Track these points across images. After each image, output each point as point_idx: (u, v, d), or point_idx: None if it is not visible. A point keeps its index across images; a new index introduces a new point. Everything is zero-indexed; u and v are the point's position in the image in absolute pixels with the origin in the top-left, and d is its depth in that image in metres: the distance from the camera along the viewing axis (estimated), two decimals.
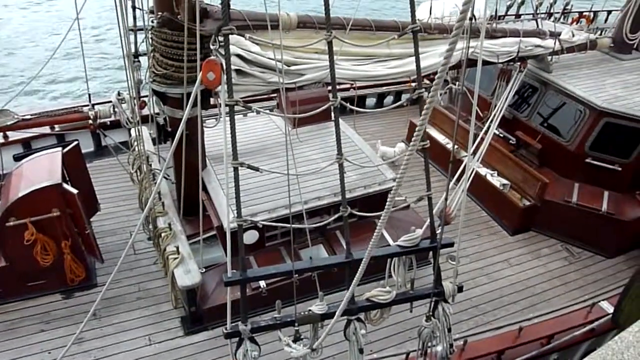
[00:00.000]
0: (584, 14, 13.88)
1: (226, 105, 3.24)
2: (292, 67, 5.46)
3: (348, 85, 10.24)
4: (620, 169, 7.47)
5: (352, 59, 5.97)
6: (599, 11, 13.96)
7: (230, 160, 3.28)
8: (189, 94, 4.49)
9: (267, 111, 5.91)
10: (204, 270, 5.90)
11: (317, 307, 3.73)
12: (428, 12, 7.52)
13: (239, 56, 5.07)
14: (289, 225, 4.07)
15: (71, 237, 5.81)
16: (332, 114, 3.63)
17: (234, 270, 3.56)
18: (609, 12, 14.07)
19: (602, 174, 7.57)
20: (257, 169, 3.40)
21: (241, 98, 5.18)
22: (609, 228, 7.50)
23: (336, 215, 4.02)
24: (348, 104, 5.58)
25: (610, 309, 5.83)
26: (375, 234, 2.95)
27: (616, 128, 7.37)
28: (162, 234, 5.80)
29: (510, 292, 6.92)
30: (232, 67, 5.00)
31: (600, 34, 9.79)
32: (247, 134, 7.27)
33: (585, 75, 8.20)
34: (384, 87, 11.43)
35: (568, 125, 7.81)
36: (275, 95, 8.63)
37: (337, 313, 3.40)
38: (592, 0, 14.69)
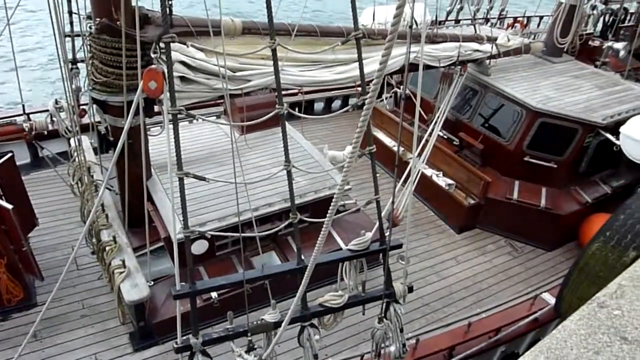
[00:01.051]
0: (518, 19, 14.56)
1: (169, 114, 3.16)
2: (238, 74, 5.41)
3: (296, 91, 10.25)
4: (555, 166, 7.88)
5: (299, 64, 5.99)
6: (531, 17, 14.68)
7: (175, 170, 3.20)
8: (130, 102, 4.35)
9: (213, 118, 5.83)
10: (152, 283, 5.72)
11: (269, 315, 3.71)
12: (371, 17, 7.65)
13: (182, 63, 4.97)
14: (238, 234, 4.02)
15: (6, 255, 5.48)
16: (280, 121, 3.63)
17: (183, 283, 3.47)
18: (541, 17, 14.82)
19: (540, 171, 7.96)
20: (203, 179, 3.34)
21: (187, 105, 5.11)
22: (547, 222, 7.89)
23: (286, 222, 4.01)
24: (296, 110, 5.61)
25: (552, 300, 6.12)
26: (319, 239, 2.96)
27: (551, 127, 7.77)
28: (107, 248, 5.58)
29: (459, 289, 7.14)
30: (176, 74, 4.90)
31: (534, 39, 10.32)
32: (194, 141, 7.14)
33: (521, 77, 8.61)
34: (332, 92, 11.53)
35: (507, 126, 8.17)
36: (222, 101, 8.53)
37: (285, 320, 3.39)
38: (525, 7, 15.45)
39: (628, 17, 14.46)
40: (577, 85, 8.62)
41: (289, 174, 3.63)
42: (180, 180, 3.23)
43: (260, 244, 5.62)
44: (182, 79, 5.07)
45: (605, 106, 8.00)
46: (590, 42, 11.52)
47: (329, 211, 2.81)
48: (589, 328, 2.40)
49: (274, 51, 3.35)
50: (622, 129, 7.41)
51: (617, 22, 12.90)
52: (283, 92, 3.67)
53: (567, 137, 7.78)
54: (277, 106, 3.48)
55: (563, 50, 9.60)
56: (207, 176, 3.43)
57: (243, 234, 3.90)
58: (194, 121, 7.56)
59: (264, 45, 3.58)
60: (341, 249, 6.03)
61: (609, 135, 7.65)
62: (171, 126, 3.19)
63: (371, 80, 7.26)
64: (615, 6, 12.71)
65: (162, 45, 3.28)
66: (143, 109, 4.88)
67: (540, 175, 8.00)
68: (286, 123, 3.64)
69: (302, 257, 3.84)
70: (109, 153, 6.06)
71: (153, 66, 3.63)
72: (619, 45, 10.81)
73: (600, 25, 13.44)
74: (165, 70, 3.35)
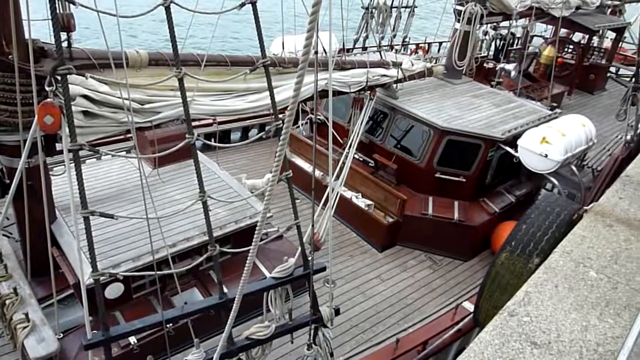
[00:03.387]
0: (420, 45, 15.53)
1: (69, 150, 2.96)
2: (147, 106, 5.21)
3: (210, 121, 10.10)
4: (464, 180, 8.36)
5: (211, 94, 5.90)
6: (432, 43, 15.72)
7: (80, 210, 2.98)
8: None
9: (123, 154, 5.55)
10: (62, 335, 5.25)
11: (194, 355, 3.53)
12: (281, 46, 7.77)
13: (85, 97, 4.71)
14: (153, 273, 3.81)
15: None
16: (191, 152, 3.52)
17: (95, 331, 3.21)
18: (440, 43, 15.91)
19: (451, 186, 8.40)
20: (110, 216, 3.15)
21: (93, 140, 4.83)
22: (462, 234, 8.30)
23: (205, 256, 3.87)
24: (212, 139, 5.50)
25: (472, 308, 6.40)
26: (245, 270, 2.89)
27: (457, 144, 8.26)
28: (7, 302, 5.04)
29: (386, 307, 7.25)
30: (78, 108, 4.62)
31: (435, 63, 11.00)
32: (104, 179, 6.74)
33: (426, 99, 9.11)
34: (248, 121, 11.49)
35: (417, 145, 8.57)
36: (131, 135, 8.19)
37: (214, 358, 3.24)
38: (426, 33, 16.51)
39: (516, 41, 15.93)
40: (477, 104, 9.28)
41: (205, 205, 3.52)
42: (86, 219, 3.01)
43: (181, 280, 5.38)
44: (86, 113, 4.78)
45: (503, 122, 8.66)
46: (485, 64, 12.50)
47: (253, 240, 2.75)
48: (502, 337, 2.52)
49: (180, 80, 3.27)
50: (519, 142, 8.05)
51: (506, 45, 14.15)
52: (196, 123, 3.60)
53: (472, 153, 8.31)
54: (187, 136, 3.38)
55: (462, 72, 10.33)
56: (118, 214, 3.24)
57: (159, 272, 3.70)
58: (103, 157, 7.19)
59: (169, 76, 3.48)
60: (266, 277, 5.93)
61: (508, 149, 8.27)
62: (73, 164, 2.98)
63: (285, 108, 7.33)
64: (504, 31, 13.94)
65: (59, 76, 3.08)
66: (43, 147, 4.54)
67: (451, 189, 8.43)
68: (202, 154, 3.56)
69: (225, 291, 3.71)
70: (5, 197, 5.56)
71: (48, 100, 3.39)
72: (510, 67, 11.83)
73: (492, 49, 14.70)
74: (63, 104, 3.15)
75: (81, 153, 3.17)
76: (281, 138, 2.32)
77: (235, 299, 2.99)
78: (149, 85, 4.80)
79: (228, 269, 5.71)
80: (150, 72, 5.28)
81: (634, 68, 11.56)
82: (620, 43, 16.96)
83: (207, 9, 3.88)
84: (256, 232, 2.73)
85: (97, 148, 3.37)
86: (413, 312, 7.22)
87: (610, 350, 2.70)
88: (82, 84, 4.67)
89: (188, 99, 5.17)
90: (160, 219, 3.96)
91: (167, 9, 3.17)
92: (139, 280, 5.74)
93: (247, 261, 2.84)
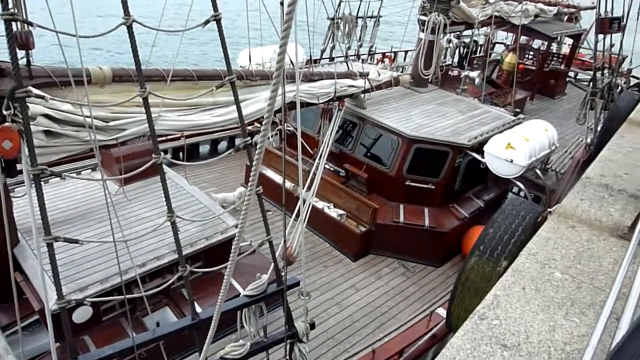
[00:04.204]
0: (387, 54, 15.75)
1: (29, 173, 2.88)
2: (112, 123, 5.12)
3: (178, 135, 9.97)
4: (434, 187, 8.48)
5: (177, 109, 5.84)
6: (398, 52, 15.97)
7: (42, 236, 2.90)
8: None
9: (88, 172, 5.41)
10: None
11: None
12: (247, 59, 7.76)
13: (46, 115, 4.58)
14: (121, 297, 3.72)
15: None
16: (159, 171, 3.47)
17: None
18: (406, 52, 16.18)
19: (421, 193, 8.51)
20: (75, 241, 3.07)
21: (55, 160, 4.70)
22: (433, 240, 8.41)
23: (176, 276, 3.80)
24: (180, 153, 5.42)
25: (445, 314, 6.48)
26: (221, 293, 2.85)
27: (425, 152, 8.39)
28: None
29: (361, 317, 7.26)
30: (40, 128, 4.50)
31: (402, 72, 11.18)
32: (69, 198, 6.55)
33: (394, 108, 9.23)
34: (217, 134, 11.40)
35: (387, 154, 8.67)
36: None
37: None
38: (393, 40, 16.76)
39: (478, 49, 16.35)
40: (444, 111, 9.46)
41: (174, 225, 3.46)
42: (50, 245, 2.93)
43: (153, 300, 5.26)
44: (48, 132, 4.66)
45: (469, 129, 8.84)
46: (450, 72, 12.76)
47: (229, 262, 2.71)
48: (473, 342, 2.56)
49: (145, 100, 3.22)
50: (485, 148, 8.23)
51: (470, 53, 14.50)
52: (164, 138, 3.54)
53: (440, 160, 8.44)
54: (153, 155, 3.32)
55: (428, 81, 10.52)
56: (83, 236, 3.17)
57: (128, 296, 3.61)
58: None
59: (135, 94, 3.44)
60: (240, 293, 5.86)
61: (475, 155, 8.44)
62: (34, 187, 2.90)
63: (254, 121, 7.27)
64: (467, 40, 14.30)
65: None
66: (3, 169, 4.40)
67: (421, 196, 8.54)
68: (170, 170, 3.51)
69: (198, 310, 3.65)
70: None
71: (6, 124, 3.30)
72: (474, 74, 12.09)
73: (457, 57, 15.05)
74: (22, 128, 3.06)
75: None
76: (256, 153, 2.30)
77: (212, 318, 2.94)
78: (113, 104, 4.70)
79: (200, 286, 5.62)
80: (115, 89, 5.19)
81: (592, 72, 12.02)
82: (578, 49, 17.62)
83: (172, 27, 3.84)
84: (232, 253, 2.70)
85: (59, 171, 3.27)
86: (388, 320, 7.25)
87: (577, 349, 2.78)
88: (43, 103, 4.55)
89: (154, 115, 5.12)
90: (130, 239, 3.87)
91: (129, 28, 3.13)
92: (108, 302, 5.59)
93: (224, 282, 2.80)
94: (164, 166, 3.77)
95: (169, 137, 9.82)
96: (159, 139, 5.77)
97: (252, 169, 2.36)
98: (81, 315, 5.22)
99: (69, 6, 2.95)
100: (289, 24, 1.96)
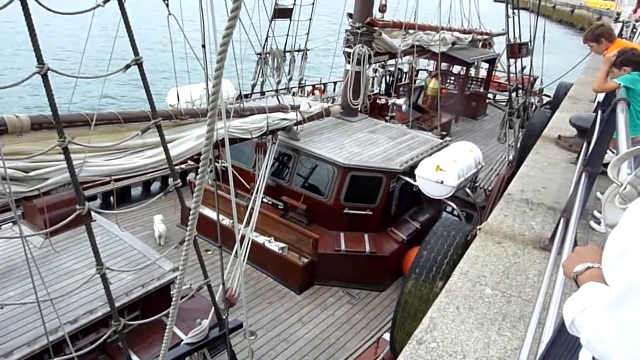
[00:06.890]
0: (317, 86, 16.12)
1: None
2: (32, 173, 4.87)
3: (108, 179, 9.60)
4: (371, 212, 8.66)
5: (104, 153, 5.65)
6: (327, 83, 16.39)
7: None
8: None
9: (8, 226, 5.10)
10: None
11: None
12: (176, 97, 7.68)
13: None
14: (51, 359, 3.48)
15: None
16: (85, 222, 3.32)
17: None
18: (335, 83, 16.64)
19: (359, 220, 8.66)
20: None
21: None
22: (375, 265, 8.53)
23: (110, 332, 3.60)
24: (111, 198, 5.23)
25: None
26: (164, 340, 2.74)
27: (360, 179, 8.59)
28: None
29: (310, 350, 7.18)
30: None
31: (332, 102, 11.47)
32: None
33: (327, 138, 9.43)
34: (149, 174, 11.08)
35: (324, 184, 8.79)
36: (19, 204, 7.54)
37: None
38: (322, 71, 17.18)
39: (403, 76, 17.12)
40: (374, 139, 9.76)
41: (104, 277, 3.31)
42: None
43: (90, 357, 4.94)
44: None
45: (400, 154, 9.17)
46: (378, 101, 13.23)
47: (170, 313, 2.62)
48: None
49: (65, 149, 3.10)
50: (416, 172, 8.55)
51: (395, 81, 15.16)
52: (92, 183, 3.41)
53: (375, 186, 8.67)
54: (77, 207, 3.19)
55: (358, 110, 10.85)
56: (5, 296, 2.95)
57: (57, 358, 3.37)
58: None
59: (54, 144, 3.30)
60: (181, 340, 5.63)
61: (407, 178, 8.74)
62: None
63: (185, 160, 7.11)
64: (392, 68, 14.95)
65: None
66: None
67: (360, 223, 8.69)
68: (100, 217, 3.37)
69: None
70: None
71: None
72: (400, 101, 12.63)
73: (383, 85, 15.67)
74: None
75: None
76: (195, 194, 2.26)
77: None
78: (31, 155, 4.48)
79: (139, 336, 5.36)
80: (34, 137, 4.96)
81: (508, 94, 12.90)
82: (494, 72, 18.89)
83: (90, 73, 3.75)
84: (173, 300, 2.62)
85: None
86: (337, 351, 7.21)
87: None
88: None
89: (79, 162, 4.94)
90: (55, 297, 3.65)
91: (45, 77, 3.02)
92: None
93: (167, 331, 2.69)
94: (93, 214, 3.61)
95: (97, 182, 9.44)
96: (87, 184, 5.55)
97: (192, 209, 2.32)
98: None
99: None
100: (222, 63, 1.96)
